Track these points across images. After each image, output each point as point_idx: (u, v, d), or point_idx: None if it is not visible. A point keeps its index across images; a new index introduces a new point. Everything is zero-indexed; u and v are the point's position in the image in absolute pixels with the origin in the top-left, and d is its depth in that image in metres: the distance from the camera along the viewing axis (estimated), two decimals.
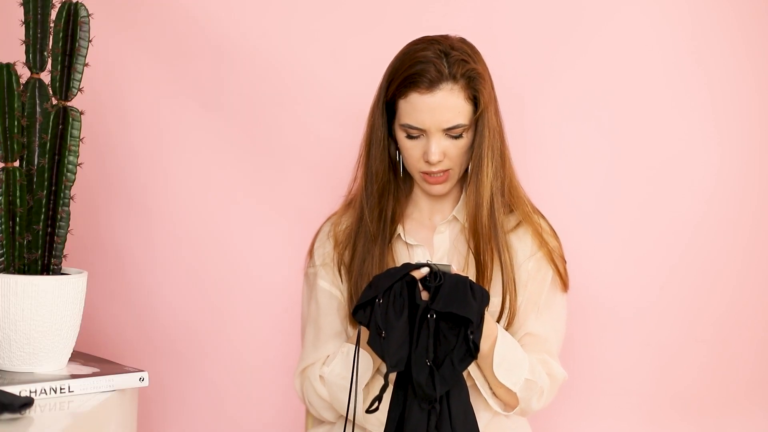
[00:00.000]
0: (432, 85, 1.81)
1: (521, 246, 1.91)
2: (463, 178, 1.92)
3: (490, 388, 1.85)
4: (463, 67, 1.82)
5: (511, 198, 1.91)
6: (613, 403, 2.33)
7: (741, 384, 2.38)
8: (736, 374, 2.38)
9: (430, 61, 1.81)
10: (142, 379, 1.76)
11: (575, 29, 2.30)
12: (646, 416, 2.34)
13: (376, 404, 1.69)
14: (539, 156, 2.28)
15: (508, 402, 1.86)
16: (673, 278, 2.33)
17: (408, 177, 1.94)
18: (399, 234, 1.92)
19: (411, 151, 1.86)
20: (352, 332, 1.90)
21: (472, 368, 1.82)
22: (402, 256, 1.92)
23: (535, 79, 2.30)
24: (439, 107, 1.81)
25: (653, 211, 2.32)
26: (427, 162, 1.84)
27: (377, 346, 1.68)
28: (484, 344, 1.76)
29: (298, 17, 2.30)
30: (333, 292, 1.93)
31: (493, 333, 1.80)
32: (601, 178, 2.33)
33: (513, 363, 1.82)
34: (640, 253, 2.32)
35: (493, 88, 1.88)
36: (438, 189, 1.89)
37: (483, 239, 1.86)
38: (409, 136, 1.85)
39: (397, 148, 1.90)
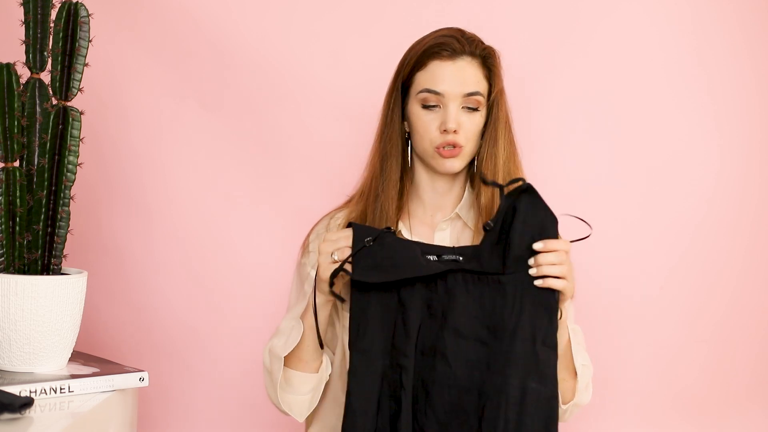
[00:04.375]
0: (454, 54, 1.84)
1: None
2: (465, 179, 1.92)
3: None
4: (480, 46, 1.87)
5: None
6: (614, 403, 2.33)
7: (741, 384, 2.38)
8: (736, 374, 2.38)
9: (451, 36, 1.86)
10: (142, 379, 1.75)
11: (574, 29, 2.30)
12: (646, 416, 2.34)
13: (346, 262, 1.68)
14: (538, 156, 2.28)
15: (563, 393, 1.81)
16: (673, 278, 2.33)
17: (412, 172, 1.94)
18: (399, 230, 1.92)
19: (427, 124, 1.85)
20: (339, 332, 1.89)
21: None
22: None
23: (535, 79, 2.30)
24: (460, 72, 1.84)
25: (653, 211, 2.32)
26: (444, 132, 1.84)
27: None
28: (563, 314, 1.72)
29: (298, 17, 2.30)
30: None
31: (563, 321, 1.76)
32: (601, 179, 2.33)
33: (574, 343, 1.81)
34: (640, 253, 2.32)
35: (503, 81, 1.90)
36: (450, 164, 1.86)
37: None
38: (426, 106, 1.85)
39: (408, 138, 1.90)
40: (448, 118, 1.83)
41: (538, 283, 1.67)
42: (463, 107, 1.84)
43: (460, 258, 1.70)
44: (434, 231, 1.92)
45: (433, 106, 1.85)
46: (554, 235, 1.68)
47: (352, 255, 1.68)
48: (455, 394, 1.67)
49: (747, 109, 2.34)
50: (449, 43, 1.84)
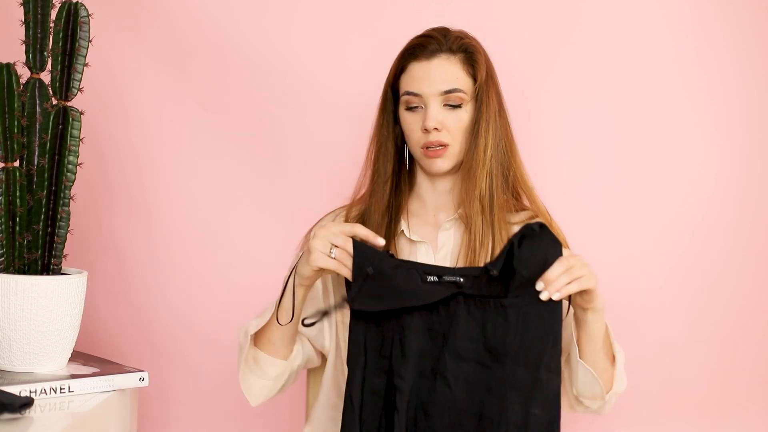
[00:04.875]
0: (431, 54, 1.85)
1: None
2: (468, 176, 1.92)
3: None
4: (460, 41, 1.86)
5: (523, 191, 1.90)
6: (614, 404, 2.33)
7: (741, 384, 2.38)
8: (736, 374, 2.38)
9: (431, 36, 1.87)
10: (142, 379, 1.76)
11: (574, 29, 2.30)
12: (646, 416, 2.34)
13: (315, 319, 1.69)
14: (538, 156, 2.28)
15: (605, 383, 1.81)
16: (673, 278, 2.33)
17: (413, 174, 1.94)
18: (402, 230, 1.92)
19: (412, 125, 1.87)
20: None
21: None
22: (404, 252, 1.91)
23: (534, 79, 2.30)
24: (436, 71, 1.84)
25: (653, 211, 2.32)
26: (425, 131, 1.84)
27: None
28: (598, 302, 1.72)
29: (298, 17, 2.30)
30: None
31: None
32: (600, 179, 2.33)
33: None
34: (640, 253, 2.32)
35: (494, 74, 1.89)
36: (438, 165, 1.87)
37: (474, 209, 1.84)
38: (409, 108, 1.87)
39: (404, 141, 1.90)
40: (427, 117, 1.83)
41: (555, 297, 1.64)
42: (444, 105, 1.84)
43: (461, 279, 1.68)
44: (438, 231, 1.92)
45: (416, 108, 1.86)
46: (558, 254, 1.66)
47: (349, 299, 1.67)
48: (455, 416, 1.66)
49: (747, 109, 2.34)
50: (426, 44, 1.86)
